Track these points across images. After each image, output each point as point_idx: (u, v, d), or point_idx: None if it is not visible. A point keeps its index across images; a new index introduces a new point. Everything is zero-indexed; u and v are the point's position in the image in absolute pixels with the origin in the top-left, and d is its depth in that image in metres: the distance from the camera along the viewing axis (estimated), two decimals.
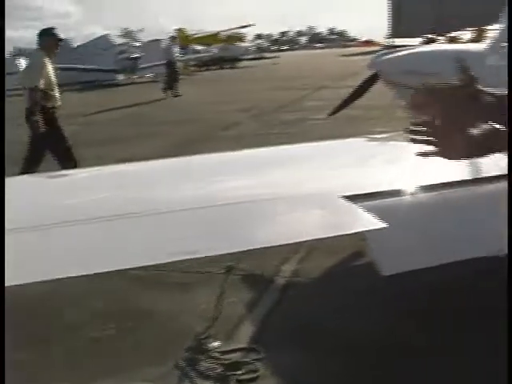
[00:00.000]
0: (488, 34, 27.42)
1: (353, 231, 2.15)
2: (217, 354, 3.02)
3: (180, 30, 34.93)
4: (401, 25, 58.51)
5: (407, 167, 3.08)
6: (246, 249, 2.04)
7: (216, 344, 3.09)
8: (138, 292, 3.85)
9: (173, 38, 22.78)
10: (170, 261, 1.96)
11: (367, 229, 2.07)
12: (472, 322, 3.17)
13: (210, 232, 2.21)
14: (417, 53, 5.82)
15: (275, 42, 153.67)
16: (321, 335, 3.25)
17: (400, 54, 5.90)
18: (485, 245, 2.32)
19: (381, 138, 4.42)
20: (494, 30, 4.90)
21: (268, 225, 2.30)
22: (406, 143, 4.11)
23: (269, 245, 2.15)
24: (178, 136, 10.92)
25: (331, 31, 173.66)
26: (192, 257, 1.94)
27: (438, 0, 58.74)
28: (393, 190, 2.43)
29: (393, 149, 3.90)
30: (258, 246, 2.08)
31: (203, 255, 1.96)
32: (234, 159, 3.60)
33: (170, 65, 20.41)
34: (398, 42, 31.32)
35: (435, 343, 3.04)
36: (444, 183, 2.59)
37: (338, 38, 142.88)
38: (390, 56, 5.99)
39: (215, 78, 28.84)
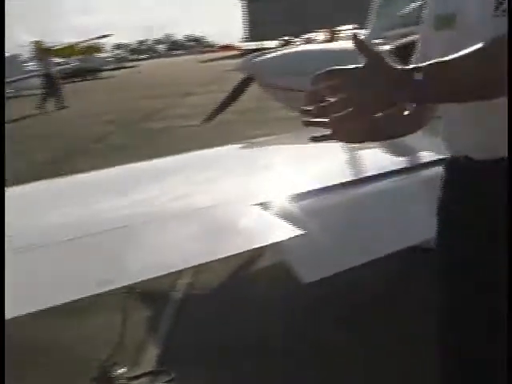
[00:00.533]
0: (340, 35, 28.48)
1: (270, 242, 2.08)
2: (124, 381, 2.85)
3: (37, 43, 33.33)
4: (256, 28, 59.54)
5: (289, 172, 3.08)
6: (145, 278, 1.89)
7: (122, 370, 2.92)
8: (32, 322, 3.57)
9: (38, 52, 21.96)
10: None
11: (285, 238, 1.98)
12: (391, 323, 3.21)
13: (109, 262, 2.05)
14: (291, 53, 5.86)
15: (134, 51, 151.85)
16: (222, 349, 3.16)
17: (273, 55, 5.92)
18: (395, 241, 2.34)
19: (258, 142, 4.40)
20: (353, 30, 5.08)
21: (174, 246, 2.15)
22: (286, 146, 4.12)
23: (179, 268, 2.01)
24: (48, 152, 10.45)
25: (189, 38, 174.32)
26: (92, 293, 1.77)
27: (289, 3, 60.38)
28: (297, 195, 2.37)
29: (272, 153, 3.88)
30: (163, 273, 1.90)
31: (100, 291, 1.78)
32: (115, 176, 3.41)
33: (47, 77, 19.66)
34: (255, 45, 31.92)
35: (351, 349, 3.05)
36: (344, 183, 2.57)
37: (196, 45, 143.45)
38: (263, 58, 5.99)
39: (79, 90, 27.90)
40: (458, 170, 1.73)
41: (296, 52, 5.90)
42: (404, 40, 4.83)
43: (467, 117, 1.61)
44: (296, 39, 31.40)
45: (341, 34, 27.82)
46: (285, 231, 1.99)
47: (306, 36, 32.03)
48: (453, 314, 1.82)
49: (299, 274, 2.01)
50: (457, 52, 1.33)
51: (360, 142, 1.49)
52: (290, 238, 1.95)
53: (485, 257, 1.68)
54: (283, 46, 20.63)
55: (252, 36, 56.53)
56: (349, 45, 5.72)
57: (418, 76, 1.25)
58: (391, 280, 3.63)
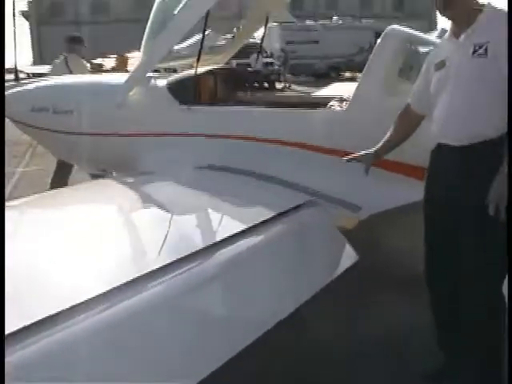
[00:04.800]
0: (130, 61, 27.25)
1: None
2: None
3: None
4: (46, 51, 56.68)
5: None
6: None
7: None
8: None
9: None
10: None
11: None
12: None
13: None
14: (50, 86, 4.88)
15: None
16: None
17: (27, 88, 4.92)
18: None
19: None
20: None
21: None
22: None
23: None
24: None
25: None
26: None
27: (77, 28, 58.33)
28: None
29: None
30: None
31: None
32: None
33: None
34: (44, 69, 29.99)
35: None
36: None
37: None
38: (16, 90, 4.96)
39: None
40: (440, 155, 2.77)
41: (55, 85, 4.88)
42: (179, 75, 4.15)
43: (450, 112, 2.68)
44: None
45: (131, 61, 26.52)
46: None
47: (96, 61, 30.53)
48: None
49: None
50: (447, 86, 2.71)
51: None
52: None
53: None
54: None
55: (42, 59, 53.45)
56: (114, 77, 4.55)
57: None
58: None
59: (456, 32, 2.74)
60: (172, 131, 3.91)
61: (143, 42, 4.14)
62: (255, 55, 23.44)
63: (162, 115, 4.00)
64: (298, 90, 20.97)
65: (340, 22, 30.69)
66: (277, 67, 25.40)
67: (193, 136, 3.83)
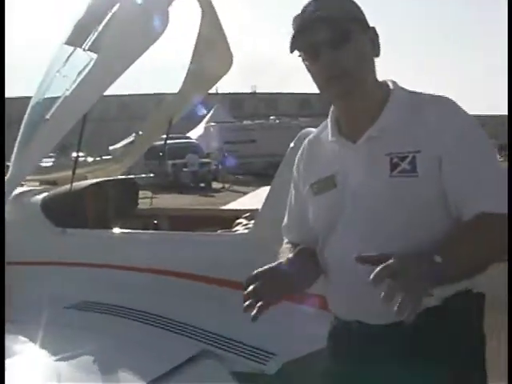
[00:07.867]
0: None
1: None
2: None
3: None
4: None
5: None
6: None
7: None
8: None
9: None
10: None
11: None
12: None
13: None
14: None
15: None
16: None
17: None
18: None
19: None
20: None
21: None
22: None
23: None
24: None
25: None
26: None
27: None
28: None
29: None
30: None
31: None
32: None
33: None
34: None
35: None
36: None
37: None
38: None
39: None
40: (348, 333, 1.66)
41: None
42: (56, 191, 3.52)
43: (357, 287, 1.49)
44: None
45: None
46: None
47: None
48: None
49: None
50: (345, 222, 1.57)
51: None
52: None
53: None
54: None
55: None
56: None
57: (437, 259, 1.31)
58: None
59: (349, 128, 1.62)
60: (46, 259, 3.21)
61: (14, 151, 3.48)
62: (191, 155, 23.36)
63: (34, 239, 3.30)
64: (237, 190, 20.61)
65: (277, 121, 30.98)
66: (214, 167, 25.20)
67: (69, 265, 3.14)
